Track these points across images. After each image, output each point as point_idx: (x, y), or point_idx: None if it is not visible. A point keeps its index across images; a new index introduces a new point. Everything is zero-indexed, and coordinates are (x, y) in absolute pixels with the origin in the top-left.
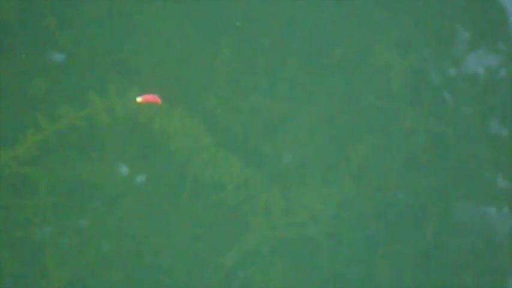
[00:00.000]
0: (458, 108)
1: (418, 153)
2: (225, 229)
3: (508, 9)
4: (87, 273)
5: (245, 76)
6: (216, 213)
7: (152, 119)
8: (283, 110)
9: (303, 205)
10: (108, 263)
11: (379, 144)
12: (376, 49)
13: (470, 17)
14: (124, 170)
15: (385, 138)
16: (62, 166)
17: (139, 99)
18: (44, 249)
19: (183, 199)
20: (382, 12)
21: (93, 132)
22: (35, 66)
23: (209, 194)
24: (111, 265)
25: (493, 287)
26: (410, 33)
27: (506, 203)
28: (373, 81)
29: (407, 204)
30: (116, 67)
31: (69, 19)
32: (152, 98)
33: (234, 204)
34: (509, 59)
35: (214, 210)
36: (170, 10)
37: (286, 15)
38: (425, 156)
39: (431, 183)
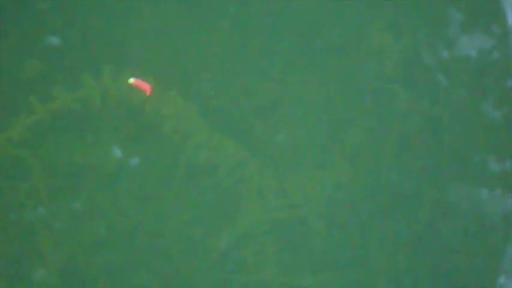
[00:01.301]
0: (452, 90)
1: (411, 136)
2: (218, 211)
3: None
4: (81, 256)
5: (239, 59)
6: (209, 195)
7: (146, 102)
8: (277, 93)
9: (297, 187)
10: (103, 245)
11: (372, 127)
12: (369, 31)
13: None
14: (118, 152)
15: (379, 120)
16: (55, 148)
17: (131, 80)
18: (38, 232)
19: (176, 181)
20: None
21: (87, 115)
22: (28, 49)
23: (203, 177)
24: (106, 247)
25: (486, 268)
26: (403, 16)
27: (499, 185)
28: (367, 64)
29: (401, 187)
30: (110, 49)
31: (62, 1)
32: (143, 85)
33: (227, 186)
34: (503, 41)
35: (207, 192)
36: None
37: None
38: (418, 139)
39: (425, 166)
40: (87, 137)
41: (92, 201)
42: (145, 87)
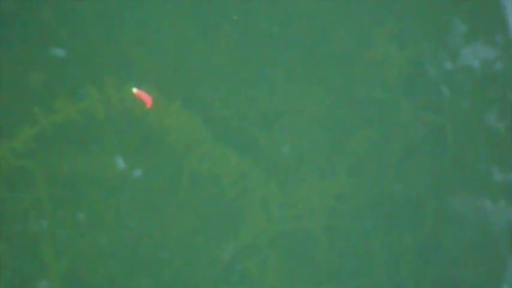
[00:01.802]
0: (455, 101)
1: (414, 146)
2: (222, 222)
3: (505, 3)
4: (84, 266)
5: (242, 69)
6: (213, 206)
7: (149, 112)
8: (280, 103)
9: (300, 198)
10: (106, 256)
11: (376, 137)
12: (374, 42)
13: (467, 10)
14: (121, 163)
15: (382, 130)
16: (58, 159)
17: (135, 90)
18: (41, 242)
19: (180, 192)
20: (380, 5)
21: (90, 126)
22: (32, 60)
23: (206, 188)
24: (109, 258)
25: (489, 279)
26: (407, 26)
27: (502, 195)
28: (371, 74)
29: (404, 197)
30: (113, 60)
31: (66, 12)
32: (146, 97)
33: (231, 197)
34: (506, 52)
35: (211, 203)
36: (167, 3)
37: (283, 8)
38: (422, 149)
39: (428, 176)
40: (91, 148)
41: (95, 212)
42: (147, 99)
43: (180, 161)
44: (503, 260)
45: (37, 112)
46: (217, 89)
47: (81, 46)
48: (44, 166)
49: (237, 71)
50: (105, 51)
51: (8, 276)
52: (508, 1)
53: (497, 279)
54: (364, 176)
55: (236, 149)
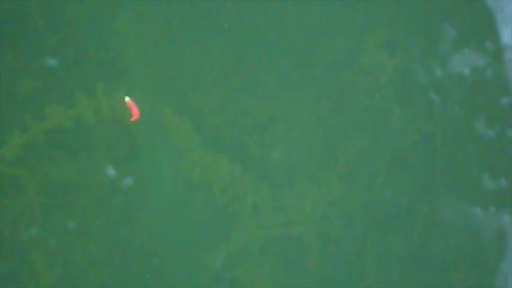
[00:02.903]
0: (445, 108)
1: (405, 153)
2: (213, 229)
3: (495, 9)
4: (75, 274)
5: (233, 76)
6: (204, 213)
7: (139, 120)
8: (272, 110)
9: (291, 205)
10: (96, 264)
11: (366, 144)
12: (364, 49)
13: (457, 17)
14: (111, 170)
15: (373, 137)
16: (49, 166)
17: (127, 99)
18: (32, 250)
19: (170, 199)
20: (370, 12)
21: (80, 133)
22: (22, 67)
23: (197, 195)
24: (99, 266)
25: (480, 285)
26: (398, 33)
27: (492, 202)
28: (361, 81)
29: (395, 204)
30: (104, 67)
31: (56, 19)
32: (135, 109)
33: (222, 204)
34: (496, 59)
35: (202, 210)
36: (158, 10)
37: (275, 15)
38: (412, 156)
39: (419, 183)
40: (81, 155)
41: (86, 220)
42: (135, 112)
43: (171, 167)
44: (494, 266)
45: (27, 119)
46: (208, 96)
47: (71, 53)
48: (34, 173)
49: (228, 78)
50: (96, 58)
51: None
52: (498, 8)
53: (488, 285)
54: (355, 182)
55: (227, 155)
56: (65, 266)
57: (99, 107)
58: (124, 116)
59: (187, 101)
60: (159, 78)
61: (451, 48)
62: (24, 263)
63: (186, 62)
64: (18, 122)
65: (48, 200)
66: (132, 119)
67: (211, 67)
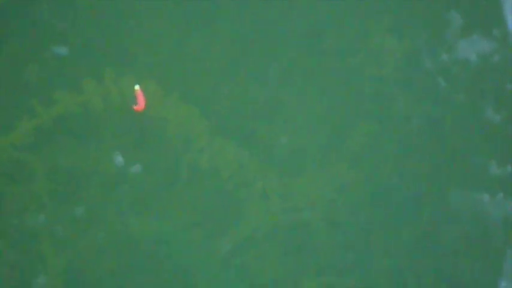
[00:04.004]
0: (452, 93)
1: (412, 139)
2: (221, 215)
3: None
4: (83, 261)
5: (240, 63)
6: (212, 199)
7: (147, 106)
8: (279, 96)
9: (299, 191)
10: (104, 250)
11: (373, 130)
12: (371, 35)
13: (465, 3)
14: (119, 158)
15: (380, 123)
16: (57, 153)
17: (137, 87)
18: (40, 237)
19: (178, 186)
20: None
21: (89, 119)
22: (30, 53)
23: (205, 181)
24: (107, 252)
25: (487, 271)
26: (405, 20)
27: (500, 189)
28: (369, 67)
29: (402, 190)
30: (112, 54)
31: (64, 7)
32: (141, 99)
33: (230, 190)
34: (503, 45)
35: (210, 196)
36: None
37: (283, 3)
38: (419, 142)
39: (426, 170)
40: (89, 142)
41: (94, 207)
42: (141, 102)
43: (179, 154)
44: (501, 251)
45: (36, 105)
46: (216, 83)
47: (79, 40)
48: (42, 159)
49: (235, 65)
50: (104, 45)
51: (5, 270)
52: None
53: (495, 271)
54: (363, 168)
55: (235, 142)
56: (73, 252)
57: (107, 93)
58: (131, 102)
59: (194, 88)
60: (166, 65)
61: (458, 34)
62: (32, 250)
63: (193, 49)
64: (27, 108)
65: (56, 186)
66: (136, 108)
67: (218, 54)
